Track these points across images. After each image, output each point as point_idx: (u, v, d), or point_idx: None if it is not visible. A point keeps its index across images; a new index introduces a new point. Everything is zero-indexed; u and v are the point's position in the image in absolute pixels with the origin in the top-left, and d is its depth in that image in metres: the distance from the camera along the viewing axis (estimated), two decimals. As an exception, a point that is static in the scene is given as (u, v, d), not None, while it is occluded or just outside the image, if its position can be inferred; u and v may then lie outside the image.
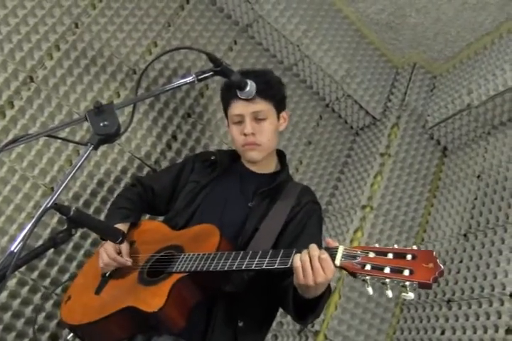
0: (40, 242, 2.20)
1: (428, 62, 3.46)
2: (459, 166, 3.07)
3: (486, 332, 2.19)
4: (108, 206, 2.24)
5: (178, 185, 1.99)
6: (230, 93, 1.88)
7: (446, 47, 3.32)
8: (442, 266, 1.22)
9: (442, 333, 2.41)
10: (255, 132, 1.83)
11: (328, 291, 1.46)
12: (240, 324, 1.64)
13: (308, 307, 1.50)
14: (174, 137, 2.71)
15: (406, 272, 1.22)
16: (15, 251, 1.12)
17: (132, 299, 1.56)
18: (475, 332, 2.24)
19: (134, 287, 1.63)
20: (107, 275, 1.75)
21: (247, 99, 1.80)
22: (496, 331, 2.15)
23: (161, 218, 2.37)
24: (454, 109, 3.03)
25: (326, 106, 3.37)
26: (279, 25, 3.03)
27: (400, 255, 1.27)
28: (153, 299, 1.51)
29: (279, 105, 1.92)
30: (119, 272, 1.74)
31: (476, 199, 2.76)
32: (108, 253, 1.71)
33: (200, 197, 1.88)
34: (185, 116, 2.77)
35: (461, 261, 2.57)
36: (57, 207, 1.26)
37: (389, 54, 3.50)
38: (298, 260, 1.37)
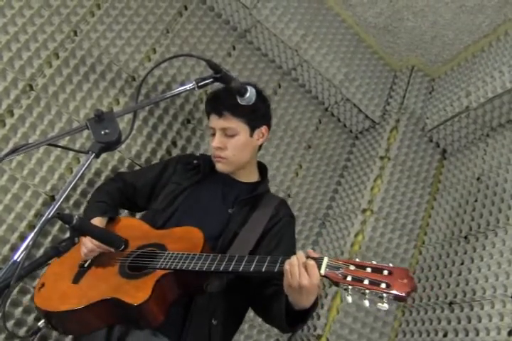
0: (42, 250, 2.20)
1: (426, 65, 3.47)
2: (459, 168, 3.08)
3: (488, 334, 2.19)
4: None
5: (158, 183, 2.07)
6: (208, 106, 2.03)
7: (444, 50, 3.33)
8: (416, 283, 1.38)
9: (445, 335, 2.41)
10: (222, 147, 1.93)
11: (316, 304, 1.56)
12: (214, 322, 1.71)
13: (298, 316, 1.59)
14: (174, 143, 2.72)
15: (383, 285, 1.35)
16: (18, 260, 1.13)
17: (115, 291, 1.59)
18: (477, 334, 2.24)
19: (115, 279, 1.66)
20: (86, 265, 1.77)
21: (219, 115, 1.91)
22: (499, 333, 2.14)
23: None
24: (453, 112, 3.04)
25: (325, 110, 3.38)
26: (277, 30, 3.04)
27: (377, 270, 1.40)
28: (137, 292, 1.55)
29: (253, 122, 1.96)
30: (97, 263, 1.76)
31: (476, 201, 2.76)
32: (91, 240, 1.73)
33: (179, 200, 1.95)
34: (184, 122, 2.77)
35: (462, 263, 2.57)
36: (60, 216, 1.27)
37: (387, 57, 3.51)
38: (287, 263, 1.47)
